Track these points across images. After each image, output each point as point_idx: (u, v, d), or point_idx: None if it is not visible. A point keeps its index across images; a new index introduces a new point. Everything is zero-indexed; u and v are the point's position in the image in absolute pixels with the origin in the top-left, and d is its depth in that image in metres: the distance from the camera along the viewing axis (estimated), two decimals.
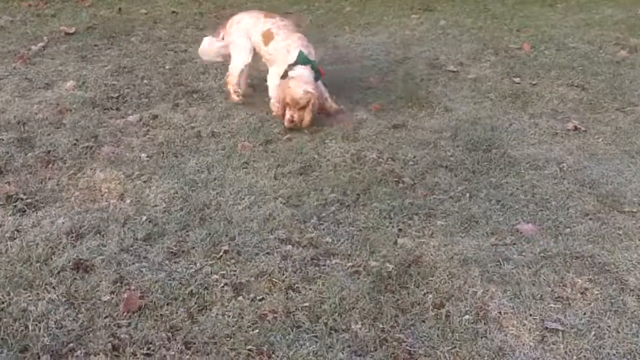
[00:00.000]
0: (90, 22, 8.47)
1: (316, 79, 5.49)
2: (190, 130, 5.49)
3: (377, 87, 6.38)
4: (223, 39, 5.92)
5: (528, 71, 6.83)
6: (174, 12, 9.01)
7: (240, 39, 5.77)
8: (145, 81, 6.44)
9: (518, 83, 6.51)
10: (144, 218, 4.26)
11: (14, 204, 4.41)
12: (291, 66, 5.45)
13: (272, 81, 5.68)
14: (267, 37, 5.60)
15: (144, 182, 4.70)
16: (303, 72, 5.42)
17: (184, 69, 6.78)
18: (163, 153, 5.10)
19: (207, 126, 5.55)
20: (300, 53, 5.46)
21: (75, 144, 5.19)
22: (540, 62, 7.09)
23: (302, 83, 5.33)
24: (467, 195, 4.58)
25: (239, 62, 5.80)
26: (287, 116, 5.38)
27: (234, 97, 5.86)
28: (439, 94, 6.22)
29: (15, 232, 4.13)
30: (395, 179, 4.75)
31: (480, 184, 4.71)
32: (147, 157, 5.05)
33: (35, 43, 7.54)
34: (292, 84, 5.31)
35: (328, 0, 9.76)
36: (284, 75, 5.48)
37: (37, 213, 4.32)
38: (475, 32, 8.11)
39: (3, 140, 5.23)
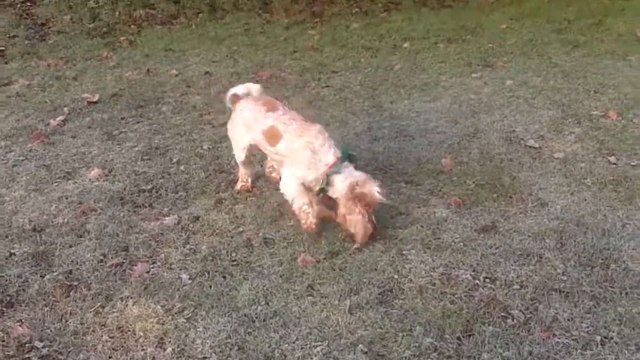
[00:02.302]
0: (115, 86, 7.59)
1: None
2: (238, 236, 4.55)
3: (450, 171, 5.42)
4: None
5: (622, 147, 5.82)
6: (207, 72, 8.12)
7: (237, 133, 5.02)
8: (181, 167, 5.51)
9: (614, 164, 5.51)
10: None
11: (27, 356, 3.51)
12: (336, 169, 4.43)
13: (291, 186, 4.58)
14: (273, 136, 4.59)
15: (187, 319, 3.76)
16: (354, 171, 4.50)
17: (224, 150, 5.86)
18: (208, 273, 4.16)
19: (257, 230, 4.61)
20: (345, 150, 4.56)
21: (101, 261, 4.27)
22: (632, 134, 6.11)
23: (372, 182, 4.42)
24: (597, 337, 3.59)
25: (237, 157, 5.14)
26: (370, 226, 4.42)
27: (237, 187, 5.21)
28: (526, 180, 5.23)
29: None
30: (502, 313, 3.76)
31: (607, 318, 3.72)
32: (189, 278, 4.11)
33: (54, 115, 6.69)
34: (367, 188, 4.36)
35: (374, 56, 8.79)
36: (324, 187, 4.50)
37: None
38: (548, 93, 7.13)
39: (16, 255, 4.32)
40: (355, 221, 4.37)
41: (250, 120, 4.78)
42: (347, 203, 4.35)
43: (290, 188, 4.55)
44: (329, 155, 4.45)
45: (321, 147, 4.44)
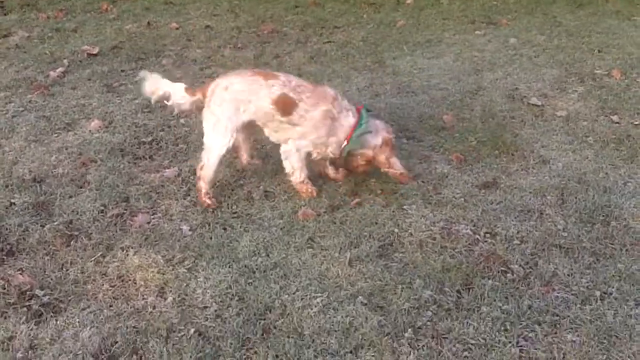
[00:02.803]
0: (115, 39, 7.53)
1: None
2: (239, 189, 4.54)
3: (452, 128, 5.39)
4: (199, 100, 4.48)
5: (625, 106, 5.80)
6: (208, 26, 8.06)
7: (225, 113, 4.35)
8: (181, 120, 5.49)
9: (617, 123, 5.48)
10: (192, 330, 3.33)
11: (28, 304, 3.49)
12: (364, 129, 4.43)
13: (295, 159, 4.51)
14: (286, 104, 4.33)
15: (188, 269, 3.76)
16: (378, 124, 4.59)
17: None
18: (209, 224, 4.15)
19: (258, 184, 4.59)
20: (365, 106, 4.54)
21: (102, 211, 4.26)
22: (635, 93, 6.08)
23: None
24: (597, 293, 3.59)
25: (218, 149, 4.38)
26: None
27: (206, 201, 4.43)
28: (529, 137, 5.20)
29: (30, 350, 3.20)
30: (502, 267, 3.76)
31: (607, 274, 3.73)
32: (189, 229, 4.10)
33: (54, 67, 6.64)
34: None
35: (377, 11, 8.71)
36: (351, 148, 4.48)
37: (56, 319, 3.40)
38: (551, 52, 7.07)
39: (16, 205, 4.31)
40: (398, 163, 4.51)
41: (245, 94, 4.35)
42: (386, 150, 4.46)
43: (294, 161, 4.49)
44: (349, 118, 4.41)
45: (339, 114, 4.38)
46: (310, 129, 4.36)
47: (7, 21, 8.28)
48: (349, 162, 4.58)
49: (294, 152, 4.45)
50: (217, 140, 4.36)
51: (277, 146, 4.53)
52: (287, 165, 4.50)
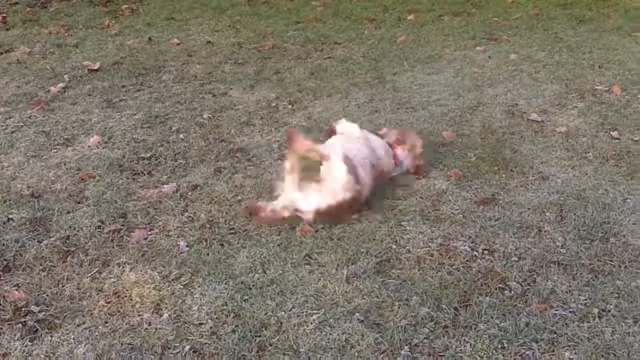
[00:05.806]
0: (117, 54, 7.55)
1: None
2: (237, 205, 4.53)
3: (451, 144, 5.37)
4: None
5: (625, 122, 5.78)
6: (209, 42, 8.08)
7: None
8: (181, 136, 5.48)
9: (617, 139, 5.46)
10: (187, 347, 3.31)
11: (24, 320, 3.48)
12: None
13: None
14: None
15: (184, 285, 3.74)
16: None
17: (224, 119, 5.83)
18: (206, 241, 4.13)
19: (256, 199, 4.56)
20: None
21: (99, 227, 4.25)
22: (635, 109, 6.07)
23: None
24: (595, 310, 3.57)
25: None
26: None
27: None
28: (528, 153, 5.19)
29: None
30: (499, 284, 3.74)
31: (605, 291, 3.70)
32: (186, 246, 4.09)
33: (54, 82, 6.65)
34: None
35: (378, 27, 8.73)
36: None
37: (51, 335, 3.39)
38: (552, 68, 7.07)
39: (13, 221, 4.30)
40: None
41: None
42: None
43: None
44: None
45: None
46: None
47: (9, 37, 8.32)
48: None
49: None
50: None
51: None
52: None
